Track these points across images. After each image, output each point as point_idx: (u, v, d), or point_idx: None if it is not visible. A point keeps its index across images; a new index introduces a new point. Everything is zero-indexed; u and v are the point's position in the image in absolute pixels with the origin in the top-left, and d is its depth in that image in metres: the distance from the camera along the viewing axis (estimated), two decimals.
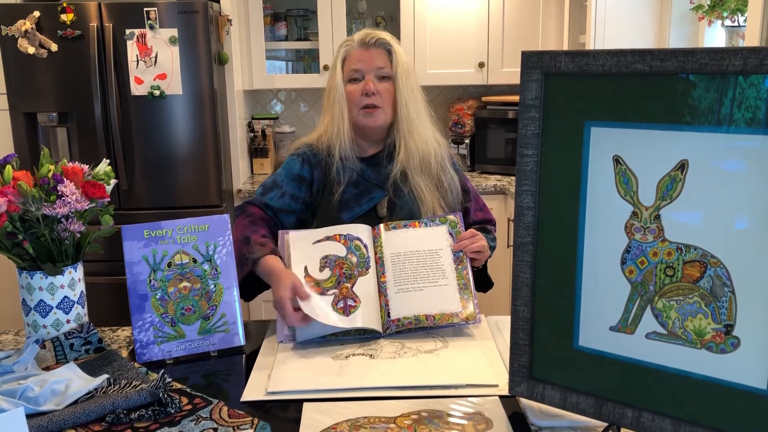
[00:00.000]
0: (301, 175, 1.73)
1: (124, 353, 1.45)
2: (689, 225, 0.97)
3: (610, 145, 1.01)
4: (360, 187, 1.69)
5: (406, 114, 1.69)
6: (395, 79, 1.68)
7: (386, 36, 1.70)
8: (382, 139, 1.75)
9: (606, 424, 1.08)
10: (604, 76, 0.99)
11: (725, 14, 2.78)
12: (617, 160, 1.01)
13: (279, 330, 1.51)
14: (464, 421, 1.14)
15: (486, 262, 1.73)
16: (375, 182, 1.71)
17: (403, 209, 1.68)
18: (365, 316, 1.48)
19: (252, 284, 1.59)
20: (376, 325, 1.48)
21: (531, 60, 1.06)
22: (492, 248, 1.76)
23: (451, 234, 1.60)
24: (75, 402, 1.19)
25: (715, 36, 2.99)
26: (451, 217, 1.62)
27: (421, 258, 1.56)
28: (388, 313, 1.50)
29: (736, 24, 2.78)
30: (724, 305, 0.95)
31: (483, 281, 1.75)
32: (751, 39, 2.26)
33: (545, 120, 1.07)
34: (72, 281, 1.42)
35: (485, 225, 1.80)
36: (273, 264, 1.52)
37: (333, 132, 1.70)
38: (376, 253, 1.57)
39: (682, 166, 0.95)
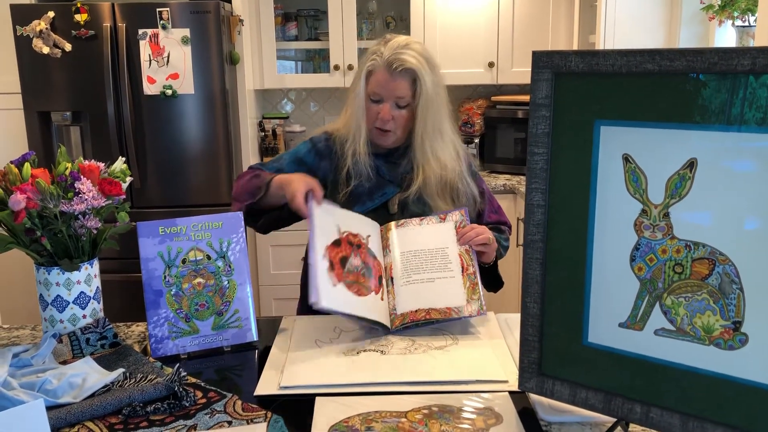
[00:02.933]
0: (304, 160, 1.75)
1: (138, 348, 1.47)
2: (698, 223, 0.98)
3: (619, 143, 1.02)
4: (373, 182, 1.71)
5: (421, 143, 1.69)
6: (415, 109, 1.66)
7: (414, 63, 1.62)
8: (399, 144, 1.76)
9: (615, 420, 1.09)
10: (614, 75, 1.01)
11: (736, 14, 2.78)
12: (627, 159, 1.02)
13: (312, 292, 1.44)
14: (474, 416, 1.16)
15: (497, 262, 1.74)
16: (388, 178, 1.72)
17: (415, 208, 1.70)
18: (378, 309, 1.50)
19: (259, 214, 1.71)
20: (385, 319, 1.50)
21: (541, 60, 1.07)
22: (504, 248, 1.76)
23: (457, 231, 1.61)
24: (92, 395, 1.21)
25: (725, 36, 2.99)
26: (456, 213, 1.63)
27: (428, 254, 1.57)
28: (395, 308, 1.52)
29: (746, 24, 2.77)
30: (732, 302, 0.96)
31: (493, 281, 1.76)
32: (762, 39, 2.26)
33: (555, 119, 1.08)
34: (88, 277, 1.44)
35: (498, 226, 1.80)
36: (285, 176, 1.64)
37: (349, 133, 1.71)
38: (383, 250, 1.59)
39: (691, 165, 0.96)
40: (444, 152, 1.72)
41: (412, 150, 1.71)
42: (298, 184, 1.54)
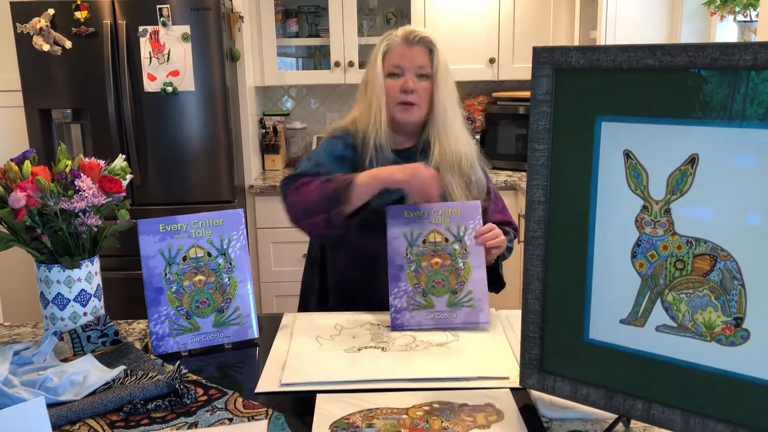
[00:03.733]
0: (344, 155, 1.72)
1: (139, 346, 1.47)
2: (699, 219, 0.97)
3: (620, 139, 1.02)
4: None
5: (443, 114, 1.70)
6: (435, 78, 1.69)
7: (429, 35, 1.71)
8: (417, 134, 1.76)
9: (616, 416, 1.09)
10: (615, 71, 1.00)
11: (737, 9, 2.77)
12: (628, 155, 1.02)
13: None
14: (476, 413, 1.15)
15: (500, 262, 1.73)
16: None
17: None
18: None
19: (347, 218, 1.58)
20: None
21: (542, 55, 1.07)
22: (508, 250, 1.75)
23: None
24: (93, 392, 1.21)
25: (726, 31, 2.98)
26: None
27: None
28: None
29: (748, 19, 2.77)
30: (734, 298, 0.96)
31: (496, 281, 1.75)
32: (764, 34, 2.26)
33: (556, 115, 1.08)
34: (89, 275, 1.44)
35: (503, 227, 1.78)
36: (375, 170, 1.59)
37: (369, 122, 1.70)
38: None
39: (693, 161, 0.96)
40: (459, 130, 1.74)
41: (432, 122, 1.72)
42: (422, 167, 1.54)
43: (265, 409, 1.17)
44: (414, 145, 1.76)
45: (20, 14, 2.88)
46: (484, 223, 1.72)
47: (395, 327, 1.52)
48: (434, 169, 1.67)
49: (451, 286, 1.55)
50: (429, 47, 1.69)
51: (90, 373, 1.26)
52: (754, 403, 0.95)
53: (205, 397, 1.22)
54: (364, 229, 1.63)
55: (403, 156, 1.74)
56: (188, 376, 1.29)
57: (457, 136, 1.73)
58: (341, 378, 1.29)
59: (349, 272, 1.74)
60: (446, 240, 1.56)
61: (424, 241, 1.56)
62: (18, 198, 1.31)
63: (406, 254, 1.56)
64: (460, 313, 1.53)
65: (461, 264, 1.55)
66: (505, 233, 1.76)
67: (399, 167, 1.57)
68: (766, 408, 0.94)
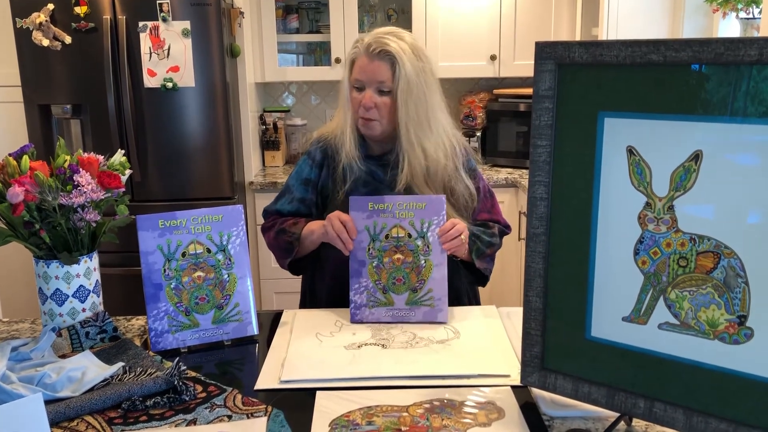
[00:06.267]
0: (308, 178, 1.76)
1: (138, 342, 1.46)
2: (703, 216, 0.97)
3: (623, 135, 1.01)
4: (369, 187, 1.68)
5: (406, 132, 1.62)
6: (395, 94, 1.60)
7: (392, 46, 1.58)
8: (391, 140, 1.69)
9: (618, 414, 1.08)
10: (618, 66, 0.99)
11: (740, 6, 2.76)
12: (631, 151, 1.01)
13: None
14: (476, 410, 1.15)
15: (479, 259, 1.68)
16: (384, 182, 1.69)
17: None
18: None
19: (299, 262, 1.77)
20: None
21: (545, 50, 1.06)
22: (486, 243, 1.69)
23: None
24: (91, 389, 1.20)
25: (729, 28, 2.97)
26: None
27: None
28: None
29: (750, 16, 2.75)
30: (737, 296, 0.95)
31: (479, 276, 1.72)
32: (767, 31, 2.25)
33: (559, 110, 1.07)
34: (87, 270, 1.43)
35: (486, 222, 1.75)
36: (313, 223, 1.67)
37: (340, 132, 1.70)
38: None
39: (696, 157, 0.95)
40: (430, 144, 1.65)
41: (399, 139, 1.66)
42: (335, 216, 1.57)
43: (265, 406, 1.17)
44: (389, 150, 1.70)
45: (20, 9, 2.87)
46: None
47: (354, 321, 1.55)
48: (404, 182, 1.64)
49: (412, 284, 1.55)
50: (391, 61, 1.59)
51: (88, 369, 1.26)
52: (757, 402, 0.94)
53: (204, 394, 1.21)
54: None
55: (380, 162, 1.70)
56: (187, 373, 1.28)
57: (426, 150, 1.64)
58: (341, 375, 1.28)
59: (334, 286, 1.71)
60: (409, 235, 1.55)
61: (387, 236, 1.55)
62: (16, 193, 1.30)
63: (369, 249, 1.56)
64: (418, 311, 1.54)
65: (423, 261, 1.55)
66: (488, 227, 1.73)
67: (323, 221, 1.62)
68: None
